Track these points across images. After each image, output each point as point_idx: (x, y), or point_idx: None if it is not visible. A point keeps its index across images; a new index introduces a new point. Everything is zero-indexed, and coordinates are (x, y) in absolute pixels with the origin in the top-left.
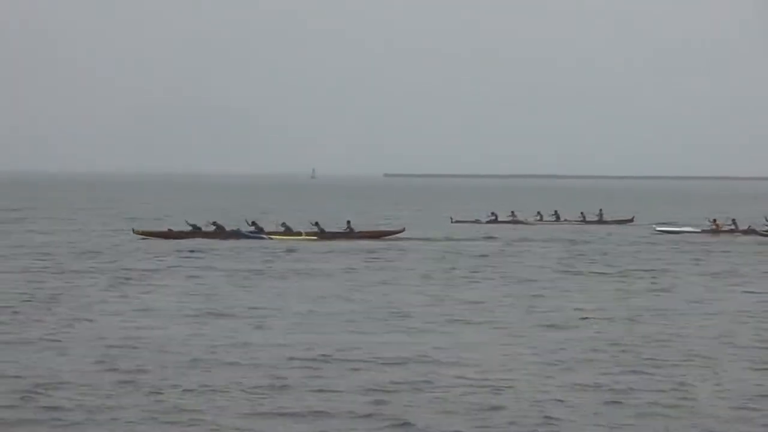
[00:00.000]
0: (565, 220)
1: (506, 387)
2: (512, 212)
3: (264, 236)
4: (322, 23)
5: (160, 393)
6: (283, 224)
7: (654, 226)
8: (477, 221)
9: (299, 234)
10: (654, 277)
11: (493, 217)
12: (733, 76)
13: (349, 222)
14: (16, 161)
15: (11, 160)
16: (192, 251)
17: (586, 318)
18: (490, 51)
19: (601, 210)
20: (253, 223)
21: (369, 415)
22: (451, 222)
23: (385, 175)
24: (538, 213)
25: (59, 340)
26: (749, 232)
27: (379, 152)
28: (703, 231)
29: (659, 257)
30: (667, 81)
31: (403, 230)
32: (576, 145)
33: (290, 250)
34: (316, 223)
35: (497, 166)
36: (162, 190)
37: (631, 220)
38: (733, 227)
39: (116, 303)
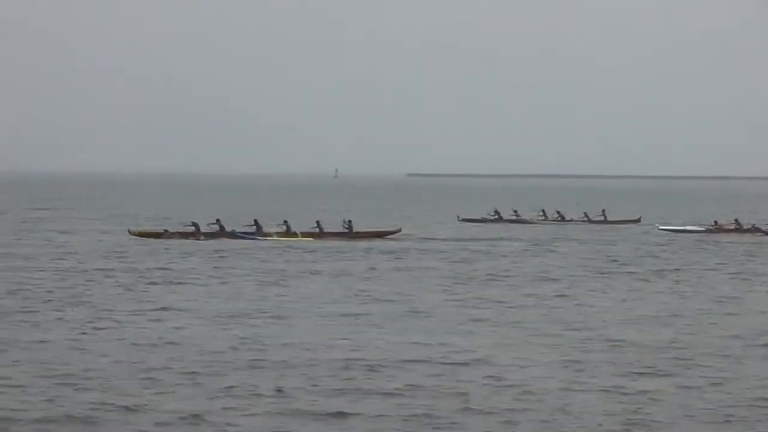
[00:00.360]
0: (571, 220)
1: (532, 388)
2: (515, 211)
3: (259, 237)
4: (324, 24)
5: (182, 393)
6: (285, 222)
7: (657, 225)
8: (483, 219)
9: (295, 234)
10: (677, 278)
11: (496, 216)
12: (732, 76)
13: (350, 221)
14: (16, 161)
15: (10, 160)
16: (197, 252)
17: (612, 318)
18: (499, 50)
19: (604, 210)
20: (255, 222)
21: (394, 416)
22: (458, 220)
23: (408, 174)
24: (542, 212)
25: (82, 341)
26: (754, 231)
27: (402, 152)
28: (707, 230)
29: (679, 257)
30: (668, 80)
31: (400, 230)
32: (593, 145)
33: (311, 251)
34: (317, 222)
35: (513, 166)
36: (172, 190)
37: (638, 220)
38: (737, 227)
39: (136, 303)
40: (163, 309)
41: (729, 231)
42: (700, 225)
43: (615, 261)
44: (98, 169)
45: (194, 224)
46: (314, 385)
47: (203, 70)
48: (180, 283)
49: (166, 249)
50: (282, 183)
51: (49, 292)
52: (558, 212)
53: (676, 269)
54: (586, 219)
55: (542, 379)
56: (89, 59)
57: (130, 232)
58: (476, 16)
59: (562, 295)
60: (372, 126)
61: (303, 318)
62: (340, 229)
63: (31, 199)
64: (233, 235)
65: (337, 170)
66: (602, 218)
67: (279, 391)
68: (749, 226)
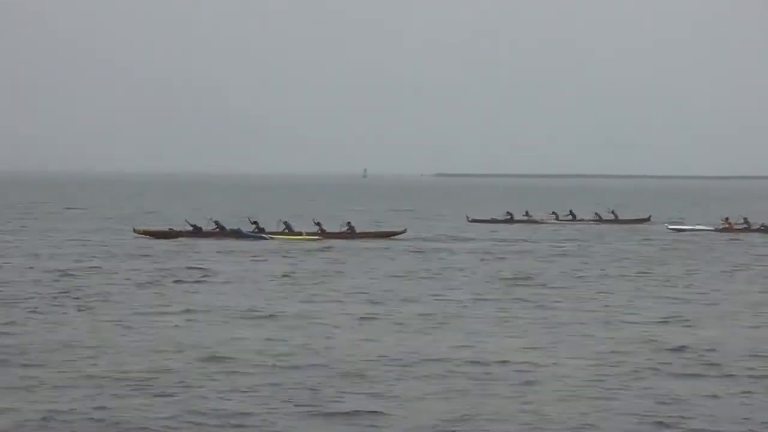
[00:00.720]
0: (581, 220)
1: (565, 389)
2: (526, 212)
3: (265, 236)
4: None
5: (210, 393)
6: (285, 223)
7: (665, 224)
8: (493, 220)
9: (300, 234)
10: (699, 278)
11: (509, 217)
12: (735, 74)
13: (349, 223)
14: (15, 161)
15: (10, 160)
16: (205, 252)
17: (640, 319)
18: (529, 51)
19: (613, 210)
20: (255, 223)
21: (423, 416)
22: (468, 221)
23: (436, 174)
24: (553, 213)
25: (107, 342)
26: (764, 230)
27: (431, 152)
28: (716, 230)
29: (698, 257)
30: (672, 79)
31: (405, 231)
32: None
33: (326, 249)
34: (318, 224)
35: (542, 166)
36: (173, 190)
37: (648, 219)
38: (746, 226)
39: (155, 304)
40: (186, 310)
41: (738, 230)
42: (709, 224)
43: (634, 261)
44: (98, 169)
45: (194, 226)
46: (342, 385)
47: (204, 70)
48: (198, 282)
49: (173, 249)
50: (307, 183)
51: (64, 292)
52: (570, 211)
53: (698, 269)
54: (597, 219)
55: (574, 380)
56: (89, 59)
57: (134, 230)
58: (485, 17)
59: (591, 297)
60: (395, 126)
61: (330, 318)
62: (340, 230)
63: (44, 199)
64: (238, 234)
65: (365, 170)
66: (613, 217)
67: (311, 390)
68: (758, 225)
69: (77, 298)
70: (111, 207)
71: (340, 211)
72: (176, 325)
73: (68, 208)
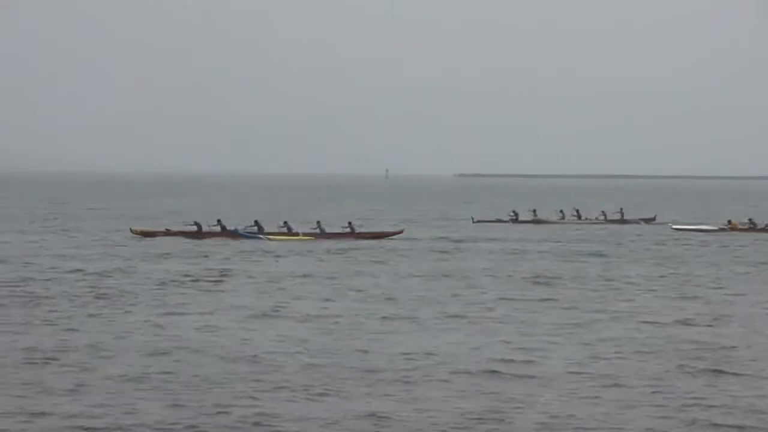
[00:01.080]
0: (587, 219)
1: (586, 391)
2: (534, 211)
3: (262, 237)
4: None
5: (233, 393)
6: (285, 223)
7: (670, 224)
8: (498, 221)
9: (297, 234)
10: (719, 278)
11: (514, 217)
12: (743, 75)
13: (350, 223)
14: (16, 161)
15: (9, 160)
16: (210, 252)
17: (665, 320)
18: (549, 49)
19: (621, 209)
20: (255, 223)
21: (447, 418)
22: (473, 222)
23: (458, 175)
24: (561, 212)
25: (127, 345)
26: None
27: (451, 153)
28: (720, 229)
29: (711, 258)
30: (678, 78)
31: (402, 231)
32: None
33: (339, 251)
34: (318, 223)
35: (563, 166)
36: (175, 190)
37: (653, 219)
38: (751, 226)
39: (175, 304)
40: (206, 312)
41: (743, 230)
42: (713, 224)
43: (651, 261)
44: (98, 169)
45: (196, 224)
46: (364, 385)
47: (204, 70)
48: (218, 282)
49: (173, 249)
50: (330, 183)
51: (91, 289)
52: (576, 211)
53: (713, 270)
54: (603, 218)
55: (596, 379)
56: (89, 60)
57: (132, 230)
58: (517, 13)
59: (613, 297)
60: (417, 127)
61: (350, 318)
62: (340, 230)
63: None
64: (237, 234)
65: (387, 171)
66: (619, 217)
67: (335, 389)
68: (763, 226)
69: (98, 298)
70: (132, 207)
71: (352, 210)
72: (199, 325)
73: (91, 209)
